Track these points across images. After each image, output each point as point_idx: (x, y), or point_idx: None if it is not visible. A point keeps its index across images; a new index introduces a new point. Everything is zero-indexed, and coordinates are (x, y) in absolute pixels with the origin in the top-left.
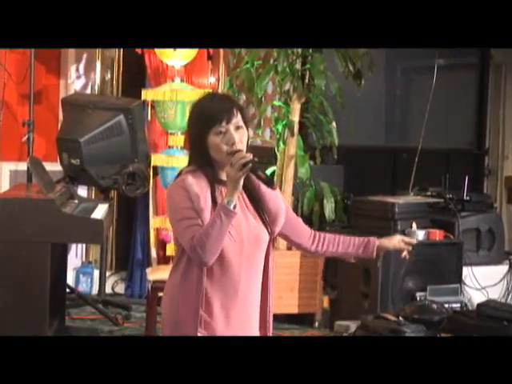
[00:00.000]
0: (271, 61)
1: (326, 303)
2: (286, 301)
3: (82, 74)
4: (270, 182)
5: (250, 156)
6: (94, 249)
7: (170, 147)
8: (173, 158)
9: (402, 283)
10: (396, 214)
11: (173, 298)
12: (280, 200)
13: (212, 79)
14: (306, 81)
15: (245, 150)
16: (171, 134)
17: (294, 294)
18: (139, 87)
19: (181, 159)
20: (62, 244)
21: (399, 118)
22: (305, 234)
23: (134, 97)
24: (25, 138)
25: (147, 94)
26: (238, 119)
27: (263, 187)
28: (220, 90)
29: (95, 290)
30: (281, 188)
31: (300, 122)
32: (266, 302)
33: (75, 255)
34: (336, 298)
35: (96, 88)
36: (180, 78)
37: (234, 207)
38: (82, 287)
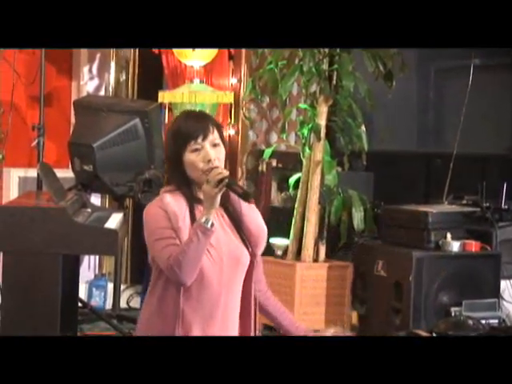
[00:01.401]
0: (296, 61)
1: (354, 319)
2: (312, 316)
3: (96, 74)
4: (246, 195)
5: (225, 172)
6: (108, 261)
7: None
8: None
9: (436, 298)
10: (429, 224)
11: (149, 323)
12: (261, 221)
13: (233, 80)
14: (334, 82)
15: (222, 167)
16: None
17: (321, 308)
18: (156, 89)
19: None
20: (74, 255)
21: (432, 122)
22: (260, 283)
23: (150, 99)
24: (34, 143)
25: (164, 96)
26: (214, 136)
27: (244, 208)
28: (242, 92)
29: (109, 305)
30: (306, 196)
31: (327, 126)
32: (247, 325)
33: (88, 267)
34: (365, 314)
35: (110, 90)
36: (199, 79)
37: (212, 225)
38: (95, 301)
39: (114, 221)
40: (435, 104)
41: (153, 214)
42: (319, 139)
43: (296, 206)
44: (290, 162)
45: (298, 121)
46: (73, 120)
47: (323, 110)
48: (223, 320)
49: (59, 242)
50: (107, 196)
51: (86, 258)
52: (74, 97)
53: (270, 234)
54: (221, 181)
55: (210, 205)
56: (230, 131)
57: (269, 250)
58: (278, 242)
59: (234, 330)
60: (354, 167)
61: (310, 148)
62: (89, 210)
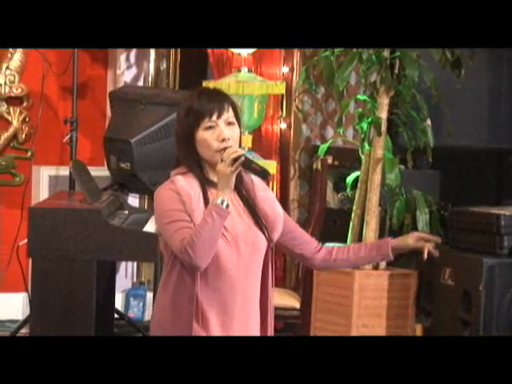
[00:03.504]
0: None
1: (418, 332)
2: (372, 329)
3: (134, 63)
4: (264, 173)
5: (241, 150)
6: (147, 268)
7: None
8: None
9: (509, 309)
10: (502, 227)
11: (164, 314)
12: (277, 205)
13: (285, 69)
14: (396, 71)
15: (236, 147)
16: None
17: (381, 321)
18: (199, 79)
19: None
20: (110, 262)
21: (505, 115)
22: (309, 244)
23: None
24: (67, 138)
25: (209, 87)
26: (229, 115)
27: (258, 191)
28: (294, 82)
29: (148, 316)
30: (365, 197)
31: (388, 120)
32: (266, 308)
33: (125, 275)
34: (431, 327)
35: (149, 80)
36: (247, 68)
37: (227, 206)
38: (133, 312)
39: (153, 224)
40: (508, 95)
41: (165, 197)
42: (380, 134)
43: (354, 207)
44: (348, 159)
45: (356, 114)
46: (108, 113)
47: (384, 102)
48: (242, 308)
49: (94, 247)
50: (146, 197)
51: (122, 265)
52: (109, 88)
53: (326, 239)
54: (236, 159)
55: (225, 184)
56: (281, 125)
57: None
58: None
59: (253, 319)
60: (418, 165)
61: (370, 144)
62: (126, 211)
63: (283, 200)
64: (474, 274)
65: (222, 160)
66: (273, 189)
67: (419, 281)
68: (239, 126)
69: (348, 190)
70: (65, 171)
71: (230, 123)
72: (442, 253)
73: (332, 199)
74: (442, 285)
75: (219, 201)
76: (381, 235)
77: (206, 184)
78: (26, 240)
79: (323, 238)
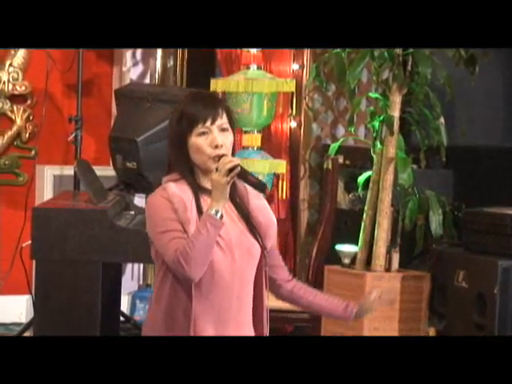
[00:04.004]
0: None
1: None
2: (383, 333)
3: (140, 60)
4: (262, 185)
5: (236, 160)
6: (154, 270)
7: (244, 148)
8: (248, 160)
9: None
10: None
11: (156, 326)
12: (270, 213)
13: (295, 66)
14: (409, 68)
15: (230, 154)
16: (246, 132)
17: (393, 324)
18: (208, 76)
19: (258, 163)
20: (116, 264)
21: None
22: (283, 270)
23: (201, 87)
24: (71, 137)
25: (217, 84)
26: (223, 121)
27: (252, 199)
28: (305, 80)
29: None
30: (377, 198)
31: (401, 118)
32: (261, 315)
33: (131, 277)
34: (444, 330)
35: (156, 77)
36: (257, 65)
37: (221, 217)
38: (139, 315)
39: None
40: None
41: (157, 205)
42: (392, 133)
43: (366, 208)
44: (359, 158)
45: (368, 112)
46: (114, 111)
47: (397, 100)
48: (237, 314)
49: (99, 248)
50: None
51: (128, 267)
52: (115, 85)
53: (337, 240)
54: (232, 169)
55: (220, 195)
56: (291, 124)
57: (335, 259)
58: (346, 249)
59: (248, 327)
60: (431, 164)
61: (382, 143)
62: (132, 212)
63: (293, 200)
64: (489, 277)
65: (216, 169)
66: (282, 189)
67: (432, 283)
68: (233, 132)
69: (359, 190)
70: (69, 171)
71: (223, 129)
72: (455, 255)
73: (343, 200)
74: (456, 287)
75: (213, 212)
76: (393, 237)
77: (198, 191)
78: (29, 241)
79: (335, 239)
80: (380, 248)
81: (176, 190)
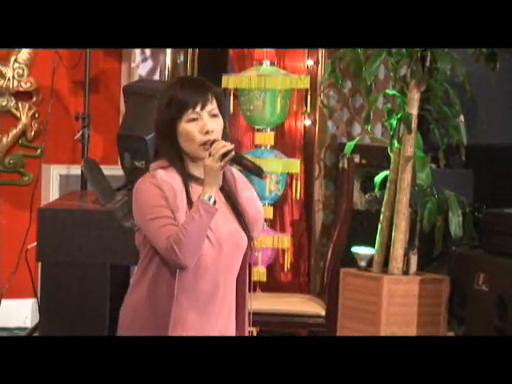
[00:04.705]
0: None
1: None
2: None
3: (149, 56)
4: (258, 169)
5: (230, 145)
6: None
7: (257, 146)
8: (261, 159)
9: None
10: None
11: (136, 312)
12: (259, 203)
13: (310, 62)
14: (427, 64)
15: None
16: (258, 130)
17: (411, 329)
18: (219, 72)
19: (271, 162)
20: (124, 266)
21: None
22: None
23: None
24: (78, 136)
25: (229, 81)
26: (213, 106)
27: (240, 187)
28: (320, 76)
29: None
30: (395, 198)
31: (419, 116)
32: (243, 306)
33: None
34: (464, 334)
35: (166, 73)
36: (270, 61)
37: (215, 203)
38: None
39: None
40: None
41: (147, 192)
42: (410, 131)
43: (382, 209)
44: (376, 157)
45: (385, 109)
46: (122, 108)
47: (415, 97)
48: (221, 306)
49: (107, 250)
50: None
51: None
52: (123, 82)
53: (353, 242)
54: (225, 154)
55: (213, 180)
56: (305, 121)
57: (351, 261)
58: (362, 251)
59: (231, 318)
60: (450, 164)
61: (399, 141)
62: None
63: (307, 201)
64: (510, 280)
65: (210, 154)
66: (296, 189)
67: (452, 286)
68: (223, 117)
69: (376, 190)
70: (76, 170)
71: (213, 115)
72: (475, 257)
73: (359, 200)
74: (476, 291)
75: (206, 197)
76: (411, 238)
77: (187, 179)
78: (34, 243)
79: (351, 241)
80: (397, 250)
81: (166, 177)
